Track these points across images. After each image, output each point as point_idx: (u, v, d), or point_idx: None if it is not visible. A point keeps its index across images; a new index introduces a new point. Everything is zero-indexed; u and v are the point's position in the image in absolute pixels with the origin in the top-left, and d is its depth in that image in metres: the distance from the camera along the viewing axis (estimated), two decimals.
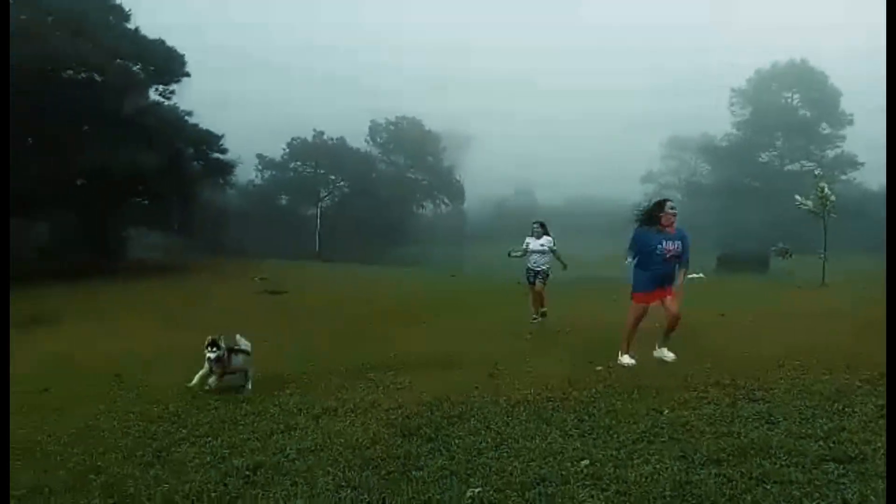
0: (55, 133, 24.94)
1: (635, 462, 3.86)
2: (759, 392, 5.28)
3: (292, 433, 4.83)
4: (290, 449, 4.46)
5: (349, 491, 3.71)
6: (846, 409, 4.69)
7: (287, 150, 60.17)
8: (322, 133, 60.41)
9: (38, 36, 22.75)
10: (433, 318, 12.92)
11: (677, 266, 6.96)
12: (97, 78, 26.45)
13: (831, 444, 3.99)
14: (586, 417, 4.84)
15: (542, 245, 10.73)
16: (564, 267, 11.19)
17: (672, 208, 6.92)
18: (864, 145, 59.08)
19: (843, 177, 60.68)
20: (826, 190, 22.55)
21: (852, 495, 3.26)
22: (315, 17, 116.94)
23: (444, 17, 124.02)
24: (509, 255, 11.35)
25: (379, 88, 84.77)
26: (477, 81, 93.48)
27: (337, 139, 60.52)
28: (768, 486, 3.42)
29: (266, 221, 51.81)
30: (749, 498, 3.30)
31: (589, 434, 4.46)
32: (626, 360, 7.02)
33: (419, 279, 27.34)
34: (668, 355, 6.97)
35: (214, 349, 6.17)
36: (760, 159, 66.41)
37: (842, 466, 3.64)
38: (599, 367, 6.72)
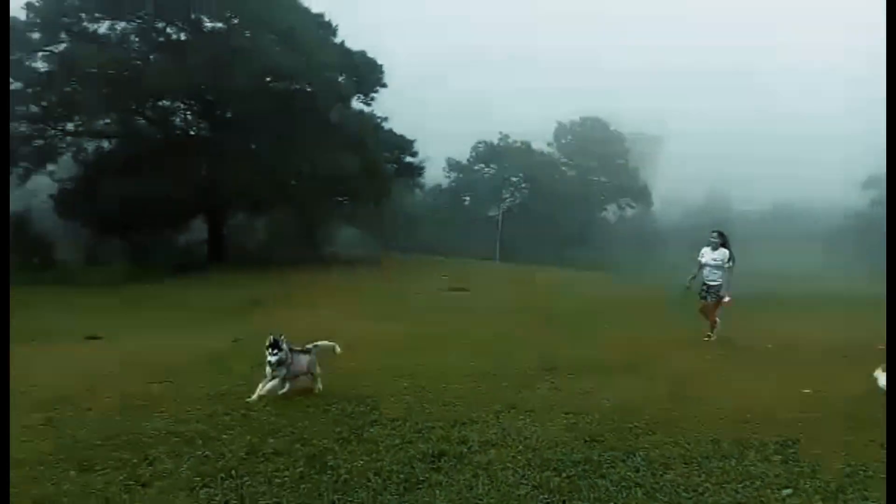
0: (274, 139, 28.08)
1: (849, 498, 3.45)
2: None
3: (474, 426, 4.97)
4: (472, 441, 4.59)
5: (529, 489, 3.74)
6: None
7: (473, 154, 61.88)
8: (507, 136, 61.28)
9: (261, 52, 25.73)
10: (617, 322, 12.53)
11: None
12: (308, 89, 29.30)
13: None
14: (790, 443, 4.41)
15: (715, 259, 9.59)
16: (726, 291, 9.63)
17: None
18: None
19: None
20: None
21: None
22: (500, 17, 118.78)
23: (642, 14, 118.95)
24: (688, 287, 9.97)
25: (568, 89, 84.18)
26: (674, 79, 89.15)
27: (522, 143, 61.04)
28: None
29: (451, 222, 53.71)
30: None
31: (793, 461, 4.06)
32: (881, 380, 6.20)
33: (601, 283, 26.64)
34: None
35: (276, 351, 5.52)
36: None
37: None
38: (807, 390, 6.08)
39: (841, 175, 62.25)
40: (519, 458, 4.28)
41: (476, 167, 62.00)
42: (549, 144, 66.75)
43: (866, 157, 62.59)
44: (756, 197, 71.16)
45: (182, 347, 8.69)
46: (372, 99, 34.15)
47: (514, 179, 62.24)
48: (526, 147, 61.25)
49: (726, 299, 9.56)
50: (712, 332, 9.71)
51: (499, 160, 60.99)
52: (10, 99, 22.19)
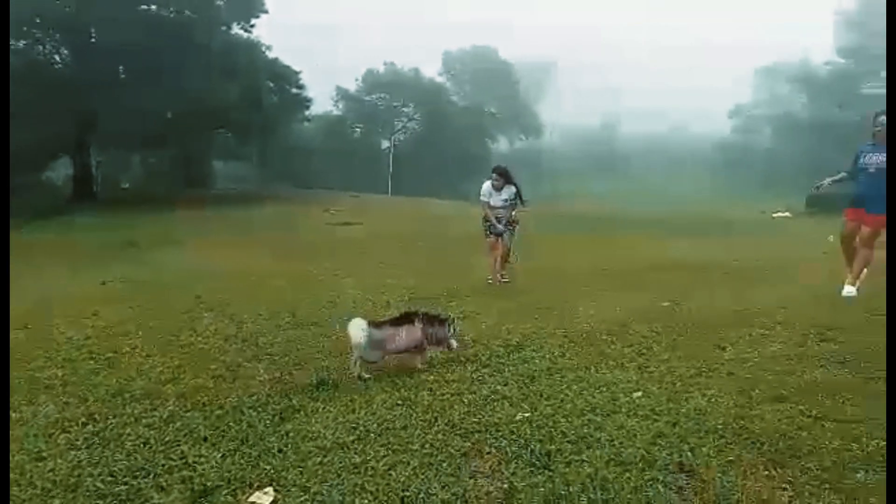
0: (147, 69, 25.95)
1: (690, 396, 3.82)
2: (831, 332, 5.05)
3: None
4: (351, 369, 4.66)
5: (404, 409, 3.86)
6: None
7: (361, 83, 60.00)
8: (393, 63, 59.74)
9: None
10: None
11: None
12: (188, 13, 27.14)
13: None
14: (645, 351, 4.80)
15: (505, 200, 8.40)
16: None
17: (879, 122, 6.39)
18: None
19: None
20: None
21: None
22: None
23: None
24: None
25: (453, 18, 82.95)
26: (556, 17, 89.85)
27: (410, 70, 59.77)
28: (827, 424, 3.32)
29: (341, 154, 52.47)
30: (805, 434, 3.22)
31: (646, 368, 4.43)
32: (845, 290, 6.60)
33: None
34: (849, 290, 6.56)
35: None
36: (864, 90, 60.84)
37: None
38: (666, 304, 6.60)
39: (716, 105, 66.67)
40: (397, 381, 4.40)
41: (366, 97, 60.28)
42: (439, 74, 66.12)
43: (734, 89, 67.44)
44: (641, 126, 75.14)
45: (41, 293, 8.11)
46: (252, 25, 32.19)
47: (405, 110, 61.22)
48: (415, 76, 60.14)
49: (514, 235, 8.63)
50: (502, 274, 8.63)
51: (388, 90, 59.55)
52: None
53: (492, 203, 8.48)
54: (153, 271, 10.56)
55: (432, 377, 4.40)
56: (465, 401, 3.94)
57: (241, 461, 3.20)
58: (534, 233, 11.06)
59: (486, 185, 8.51)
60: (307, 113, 37.82)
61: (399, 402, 4.00)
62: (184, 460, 3.21)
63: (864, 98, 58.91)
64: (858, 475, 2.81)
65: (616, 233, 16.59)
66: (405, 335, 4.69)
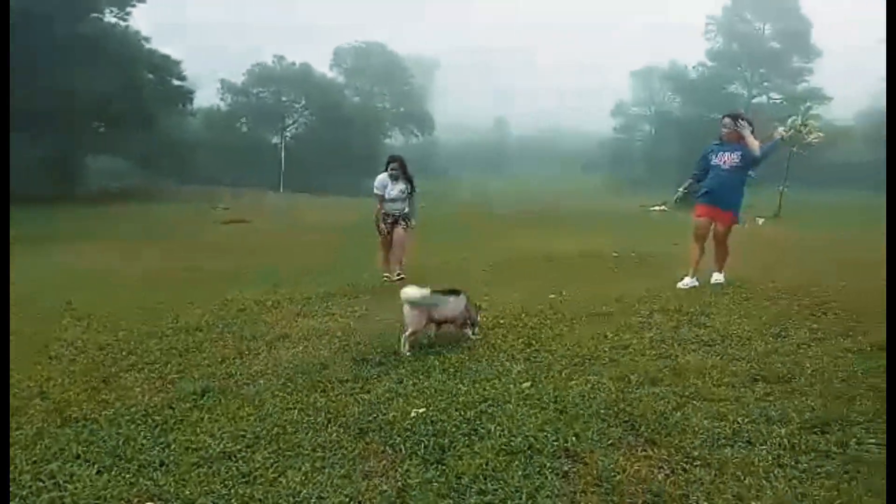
0: (11, 56, 23.64)
1: (575, 383, 3.99)
2: (702, 318, 5.45)
3: (243, 359, 4.86)
4: (240, 374, 4.50)
5: (297, 413, 3.77)
6: (781, 334, 4.89)
7: (247, 76, 57.81)
8: (282, 58, 58.05)
9: None
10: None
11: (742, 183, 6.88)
12: None
13: (762, 365, 4.17)
14: (534, 342, 4.95)
15: (401, 192, 8.30)
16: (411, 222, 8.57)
17: (727, 123, 6.89)
18: (832, 79, 59.25)
19: (812, 111, 60.48)
20: (806, 129, 23.27)
21: (775, 411, 3.43)
22: None
23: None
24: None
25: (345, 12, 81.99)
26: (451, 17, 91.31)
27: (301, 64, 58.31)
28: (697, 403, 3.58)
29: (229, 150, 50.42)
30: (679, 414, 3.44)
31: (534, 358, 4.57)
32: (681, 281, 7.04)
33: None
34: (717, 277, 7.05)
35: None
36: (730, 91, 66.05)
37: (769, 385, 3.82)
38: (553, 295, 6.85)
39: (600, 105, 70.25)
40: (289, 384, 4.28)
41: (254, 90, 58.24)
42: (330, 68, 65.12)
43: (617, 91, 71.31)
44: (528, 124, 77.78)
45: None
46: (128, 13, 30.26)
47: (296, 105, 59.75)
48: (306, 70, 58.80)
49: (413, 223, 8.56)
50: (400, 269, 8.36)
51: (277, 84, 57.87)
52: None
53: (387, 195, 8.30)
54: (16, 277, 9.64)
55: (325, 378, 4.33)
56: (360, 400, 3.90)
57: (118, 477, 3.00)
58: (425, 230, 11.13)
59: (382, 176, 8.34)
60: (191, 107, 36.10)
61: (290, 405, 3.90)
62: (53, 480, 2.97)
63: (729, 97, 64.06)
64: (726, 451, 3.04)
65: (504, 228, 17.07)
66: (452, 304, 4.94)
